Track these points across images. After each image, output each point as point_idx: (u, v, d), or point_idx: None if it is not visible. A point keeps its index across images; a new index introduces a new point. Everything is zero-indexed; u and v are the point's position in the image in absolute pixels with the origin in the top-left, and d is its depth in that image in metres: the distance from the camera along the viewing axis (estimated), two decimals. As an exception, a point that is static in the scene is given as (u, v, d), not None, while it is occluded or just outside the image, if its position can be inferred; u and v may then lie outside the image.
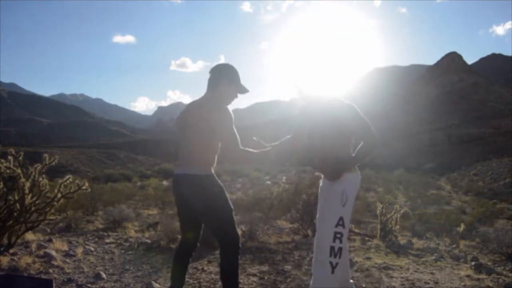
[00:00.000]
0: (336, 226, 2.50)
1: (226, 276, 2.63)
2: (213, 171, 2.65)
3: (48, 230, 5.98)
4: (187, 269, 2.98)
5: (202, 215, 2.62)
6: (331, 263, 2.46)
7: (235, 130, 2.59)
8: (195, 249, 2.88)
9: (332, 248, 2.47)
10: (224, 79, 2.66)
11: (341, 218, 2.50)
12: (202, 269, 4.15)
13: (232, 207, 2.64)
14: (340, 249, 2.47)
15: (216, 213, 2.57)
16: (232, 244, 2.60)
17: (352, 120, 2.53)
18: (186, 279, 3.80)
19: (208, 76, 2.72)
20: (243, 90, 2.74)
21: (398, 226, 6.40)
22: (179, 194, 2.65)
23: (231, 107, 2.70)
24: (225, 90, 2.66)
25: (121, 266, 4.20)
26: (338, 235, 2.48)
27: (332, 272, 2.45)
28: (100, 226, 6.96)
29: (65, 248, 4.77)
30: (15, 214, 3.93)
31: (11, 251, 4.19)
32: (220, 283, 3.77)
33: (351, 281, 2.87)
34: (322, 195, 2.72)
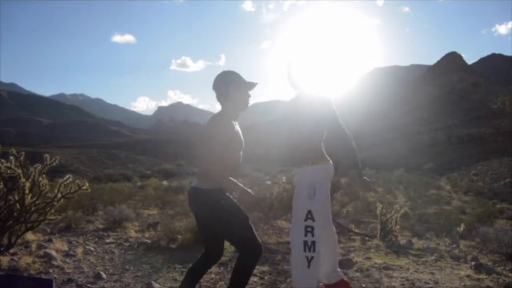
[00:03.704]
0: (306, 220, 2.49)
1: (236, 276, 2.58)
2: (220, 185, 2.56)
3: (48, 230, 5.98)
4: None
5: (214, 229, 2.60)
6: (306, 257, 2.45)
7: (216, 147, 2.49)
8: (216, 262, 2.82)
9: (305, 242, 2.47)
10: (230, 85, 2.63)
11: (309, 212, 2.50)
12: (202, 269, 4.15)
13: (246, 215, 2.58)
14: (314, 242, 2.46)
15: (226, 225, 2.52)
16: (250, 252, 2.52)
17: (325, 119, 2.63)
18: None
19: (214, 94, 2.67)
20: (252, 85, 2.69)
21: (398, 226, 6.39)
22: (192, 209, 2.66)
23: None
24: (237, 95, 2.63)
25: (121, 266, 4.20)
26: (309, 229, 2.47)
27: (308, 266, 2.44)
28: (100, 226, 6.96)
29: (65, 248, 4.77)
30: (15, 214, 3.93)
31: (11, 251, 4.19)
32: (220, 283, 3.77)
33: (338, 269, 2.84)
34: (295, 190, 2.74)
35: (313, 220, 2.49)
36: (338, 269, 2.86)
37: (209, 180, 2.52)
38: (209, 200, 2.51)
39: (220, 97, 2.65)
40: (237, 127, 2.67)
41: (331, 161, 2.71)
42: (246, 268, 2.55)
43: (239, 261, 2.56)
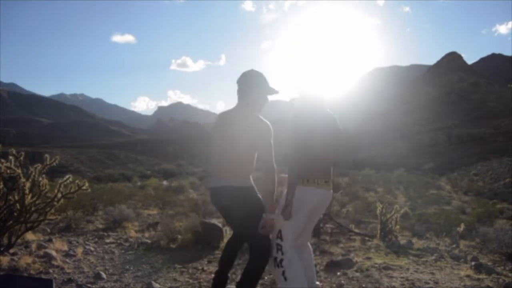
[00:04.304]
0: (276, 238, 2.60)
1: (246, 277, 2.66)
2: (252, 182, 2.67)
3: (48, 230, 5.98)
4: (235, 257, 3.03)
5: (238, 225, 2.70)
6: (280, 272, 2.56)
7: (272, 144, 2.58)
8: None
9: (275, 258, 2.59)
10: (253, 85, 2.68)
11: (279, 231, 2.59)
12: (202, 269, 4.15)
13: None
14: (282, 260, 2.55)
15: (251, 223, 2.57)
16: (263, 252, 2.61)
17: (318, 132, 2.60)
18: (186, 279, 3.81)
19: (236, 87, 2.73)
20: (273, 92, 2.75)
21: (398, 226, 6.39)
22: (222, 206, 2.69)
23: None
24: (257, 97, 2.69)
25: (121, 266, 4.20)
26: (279, 247, 2.58)
27: (285, 279, 2.54)
28: (100, 226, 6.96)
29: (65, 248, 4.77)
30: (15, 214, 3.93)
31: (11, 251, 4.19)
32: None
33: (318, 283, 2.88)
34: None
35: (282, 240, 2.58)
36: (317, 283, 2.89)
37: (247, 176, 2.62)
38: (246, 197, 2.58)
39: (241, 94, 2.71)
40: None
41: (325, 185, 2.64)
42: (257, 269, 2.63)
43: (249, 263, 2.65)
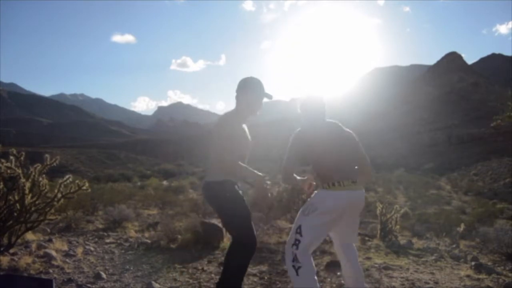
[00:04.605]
0: (295, 233, 2.68)
1: (226, 271, 2.73)
2: (229, 178, 2.75)
3: (48, 230, 5.98)
4: None
5: (218, 217, 2.92)
6: (293, 266, 2.61)
7: (227, 142, 2.69)
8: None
9: (292, 253, 2.64)
10: (247, 90, 2.86)
11: (299, 226, 2.67)
12: (202, 269, 4.15)
13: (249, 212, 2.77)
14: (296, 255, 2.61)
15: (226, 216, 2.76)
16: (241, 246, 2.69)
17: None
18: (186, 279, 3.81)
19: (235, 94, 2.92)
20: (269, 96, 2.93)
21: (398, 226, 6.40)
22: (207, 202, 2.99)
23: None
24: (249, 100, 2.85)
25: (121, 266, 4.20)
26: (296, 242, 2.64)
27: (297, 274, 2.60)
28: (100, 226, 6.96)
29: (65, 248, 4.77)
30: (15, 214, 3.93)
31: (11, 251, 4.19)
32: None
33: (366, 285, 2.97)
34: None
35: (301, 235, 2.64)
36: (365, 285, 2.94)
37: (222, 171, 2.70)
38: (216, 192, 2.75)
39: (238, 97, 2.89)
40: (246, 129, 2.91)
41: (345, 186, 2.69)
42: (236, 262, 2.69)
43: (229, 253, 2.73)
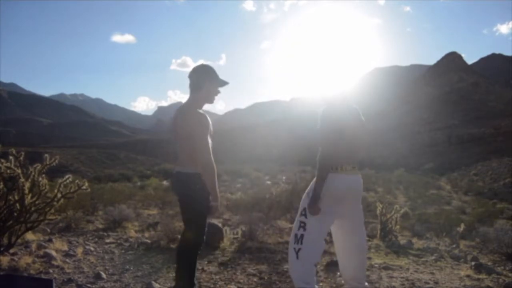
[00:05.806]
0: (300, 215, 2.69)
1: (180, 272, 2.81)
2: (198, 170, 2.75)
3: (48, 230, 5.98)
4: None
5: (182, 207, 2.85)
6: (294, 249, 2.63)
7: (208, 138, 2.71)
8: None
9: (295, 235, 2.67)
10: (206, 78, 2.81)
11: (304, 209, 2.68)
12: (202, 269, 4.15)
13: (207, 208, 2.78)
14: (302, 236, 2.63)
15: (194, 212, 2.76)
16: (197, 244, 2.80)
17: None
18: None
19: (188, 81, 2.85)
20: (223, 83, 2.88)
21: (398, 226, 6.40)
22: (173, 191, 2.92)
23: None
24: (208, 89, 2.82)
25: (121, 266, 4.20)
26: (302, 224, 2.66)
27: (297, 257, 2.62)
28: (100, 226, 6.95)
29: (65, 248, 4.77)
30: (15, 214, 3.93)
31: (11, 251, 4.19)
32: (220, 283, 3.77)
33: (366, 284, 2.93)
34: None
35: (306, 217, 2.65)
36: (366, 284, 2.91)
37: (196, 164, 2.70)
38: (189, 182, 2.72)
39: (193, 87, 2.83)
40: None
41: (348, 171, 2.68)
42: (190, 260, 2.79)
43: (184, 252, 2.80)
